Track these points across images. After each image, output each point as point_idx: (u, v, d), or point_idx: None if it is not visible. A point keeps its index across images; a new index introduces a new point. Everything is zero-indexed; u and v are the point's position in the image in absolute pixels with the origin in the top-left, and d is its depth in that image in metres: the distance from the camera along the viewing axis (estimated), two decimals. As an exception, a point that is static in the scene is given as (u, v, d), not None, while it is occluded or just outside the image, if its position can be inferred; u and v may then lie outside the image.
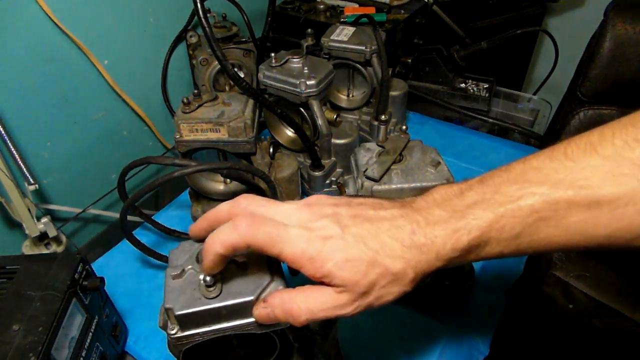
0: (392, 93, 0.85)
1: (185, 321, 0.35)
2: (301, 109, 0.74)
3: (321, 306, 0.34)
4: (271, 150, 0.75)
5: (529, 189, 0.31)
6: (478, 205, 0.32)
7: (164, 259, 0.67)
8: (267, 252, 0.34)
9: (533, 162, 0.32)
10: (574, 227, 0.30)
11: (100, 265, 0.74)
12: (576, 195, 0.29)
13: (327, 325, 0.46)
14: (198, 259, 0.38)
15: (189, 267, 0.38)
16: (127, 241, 0.63)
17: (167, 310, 0.35)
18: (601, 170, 0.29)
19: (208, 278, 0.35)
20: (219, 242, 0.34)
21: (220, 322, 0.36)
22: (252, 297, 0.36)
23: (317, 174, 0.76)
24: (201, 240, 0.39)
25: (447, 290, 0.60)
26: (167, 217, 0.84)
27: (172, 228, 0.73)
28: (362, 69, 0.82)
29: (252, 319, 0.36)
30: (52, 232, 0.74)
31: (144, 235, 0.77)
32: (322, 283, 0.34)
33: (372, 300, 0.34)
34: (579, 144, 0.31)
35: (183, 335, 0.36)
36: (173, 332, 0.36)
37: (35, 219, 0.72)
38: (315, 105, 0.71)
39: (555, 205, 0.30)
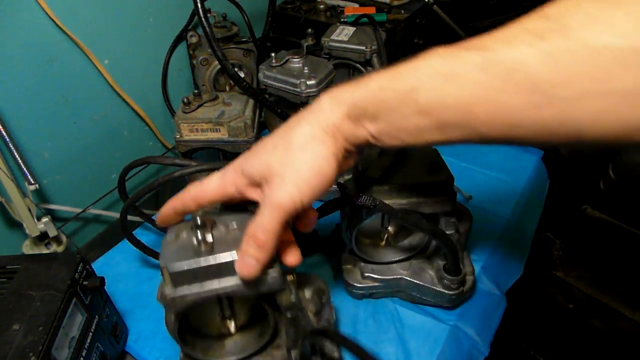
0: (392, 93, 0.85)
1: (179, 278, 0.37)
2: (301, 109, 0.74)
3: (270, 213, 0.36)
4: (271, 150, 0.75)
5: (433, 51, 0.33)
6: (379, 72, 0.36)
7: (164, 258, 0.67)
8: (204, 202, 0.41)
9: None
10: (475, 90, 0.31)
11: (100, 265, 0.74)
12: (477, 55, 0.30)
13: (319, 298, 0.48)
14: (192, 226, 0.40)
15: (184, 232, 0.40)
16: (127, 241, 0.64)
17: (162, 269, 0.37)
18: (500, 37, 0.30)
19: (200, 237, 0.38)
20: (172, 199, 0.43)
21: (211, 279, 0.38)
22: None
23: (317, 174, 0.76)
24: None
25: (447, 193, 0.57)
26: (167, 217, 0.84)
27: (172, 228, 0.73)
28: (362, 69, 0.82)
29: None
30: (52, 232, 0.74)
31: (144, 235, 0.77)
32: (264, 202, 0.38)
33: (295, 178, 0.36)
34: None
35: (177, 296, 0.38)
36: (168, 291, 0.38)
37: (35, 219, 0.72)
38: (315, 105, 0.71)
39: (456, 61, 0.31)
